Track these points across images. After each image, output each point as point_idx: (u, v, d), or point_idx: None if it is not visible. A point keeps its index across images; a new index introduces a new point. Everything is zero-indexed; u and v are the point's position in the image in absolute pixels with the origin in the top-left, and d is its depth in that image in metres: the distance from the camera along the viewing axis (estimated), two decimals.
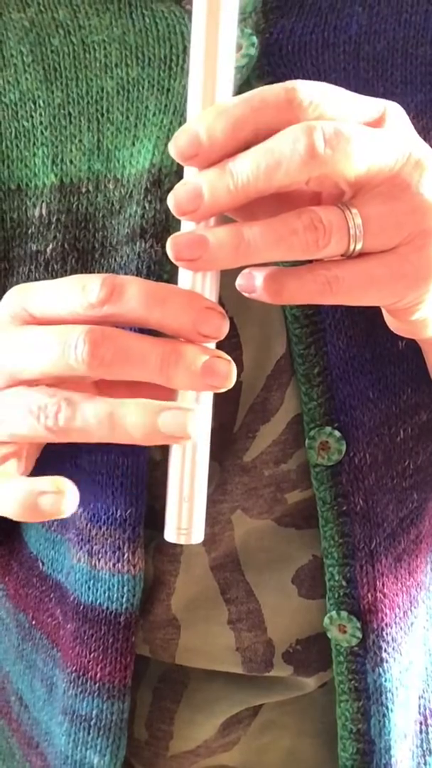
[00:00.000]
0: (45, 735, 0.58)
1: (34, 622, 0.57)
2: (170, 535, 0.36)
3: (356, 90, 0.37)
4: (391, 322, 0.41)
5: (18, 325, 0.37)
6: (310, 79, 0.35)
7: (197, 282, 0.36)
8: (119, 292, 0.35)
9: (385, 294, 0.37)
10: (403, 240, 0.36)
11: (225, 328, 0.35)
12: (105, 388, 0.40)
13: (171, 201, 0.35)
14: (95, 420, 0.34)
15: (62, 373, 0.35)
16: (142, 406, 0.34)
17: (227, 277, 0.37)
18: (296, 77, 0.35)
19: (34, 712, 0.59)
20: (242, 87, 0.45)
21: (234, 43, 0.35)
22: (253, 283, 0.36)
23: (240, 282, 0.37)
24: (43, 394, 0.35)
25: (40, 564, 0.56)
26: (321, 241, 0.34)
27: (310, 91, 0.34)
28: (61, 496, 0.35)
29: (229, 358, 0.35)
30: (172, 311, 0.35)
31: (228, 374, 0.35)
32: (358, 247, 0.35)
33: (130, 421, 0.34)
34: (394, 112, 0.37)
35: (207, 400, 0.36)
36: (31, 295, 0.37)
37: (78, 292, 0.35)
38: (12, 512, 0.35)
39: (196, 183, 0.34)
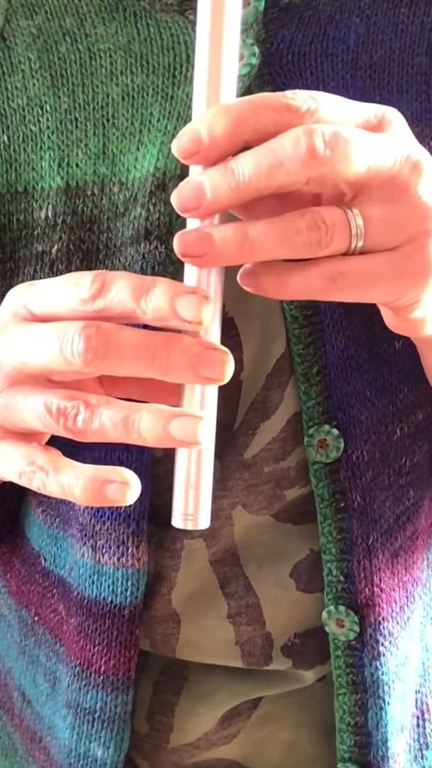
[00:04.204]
0: (48, 729, 0.58)
1: (36, 618, 0.58)
2: (177, 521, 0.37)
3: (354, 98, 0.37)
4: (390, 320, 0.42)
5: (19, 323, 0.38)
6: (309, 88, 0.36)
7: (201, 281, 0.36)
8: (108, 286, 0.35)
9: (387, 291, 0.37)
10: (403, 240, 0.37)
11: (207, 312, 0.35)
12: (112, 386, 0.40)
13: (174, 198, 0.35)
14: (111, 424, 0.35)
15: (61, 368, 0.36)
16: (154, 413, 0.35)
17: (228, 278, 0.37)
18: (296, 86, 0.36)
19: (37, 707, 0.59)
20: (244, 96, 0.46)
21: (237, 52, 0.36)
22: (256, 279, 0.36)
23: (242, 277, 0.36)
24: (62, 398, 0.36)
25: (43, 560, 0.56)
26: (323, 240, 0.35)
27: (309, 98, 0.35)
28: (126, 486, 0.36)
29: (226, 349, 0.35)
30: (154, 299, 0.35)
31: (222, 364, 0.35)
32: (360, 245, 0.36)
33: (143, 426, 0.35)
34: (393, 117, 0.38)
35: (212, 393, 0.37)
36: (32, 293, 0.38)
37: (73, 288, 0.36)
38: (78, 496, 0.36)
39: (198, 180, 0.35)
